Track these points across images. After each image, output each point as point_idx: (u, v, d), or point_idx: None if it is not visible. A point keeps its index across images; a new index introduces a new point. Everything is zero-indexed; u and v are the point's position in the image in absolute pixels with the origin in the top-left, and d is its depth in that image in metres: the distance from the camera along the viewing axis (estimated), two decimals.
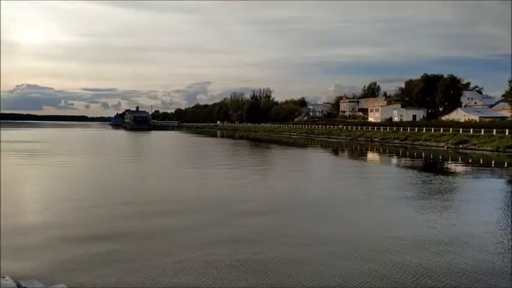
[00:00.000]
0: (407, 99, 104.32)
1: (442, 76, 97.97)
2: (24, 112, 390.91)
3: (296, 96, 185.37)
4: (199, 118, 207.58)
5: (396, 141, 62.71)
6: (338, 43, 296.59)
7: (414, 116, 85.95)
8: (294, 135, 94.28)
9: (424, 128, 64.75)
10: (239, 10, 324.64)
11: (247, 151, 48.17)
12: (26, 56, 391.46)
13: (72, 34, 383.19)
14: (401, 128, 69.73)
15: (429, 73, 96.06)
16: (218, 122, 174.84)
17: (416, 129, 66.23)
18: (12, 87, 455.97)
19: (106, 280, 7.85)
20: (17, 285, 4.94)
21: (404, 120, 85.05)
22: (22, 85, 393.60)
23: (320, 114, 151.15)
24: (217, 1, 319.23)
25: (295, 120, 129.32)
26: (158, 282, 7.83)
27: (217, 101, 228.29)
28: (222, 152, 46.50)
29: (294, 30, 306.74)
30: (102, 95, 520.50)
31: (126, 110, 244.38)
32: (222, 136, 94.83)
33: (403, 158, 40.92)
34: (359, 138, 71.77)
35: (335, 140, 75.69)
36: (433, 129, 62.77)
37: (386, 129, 73.01)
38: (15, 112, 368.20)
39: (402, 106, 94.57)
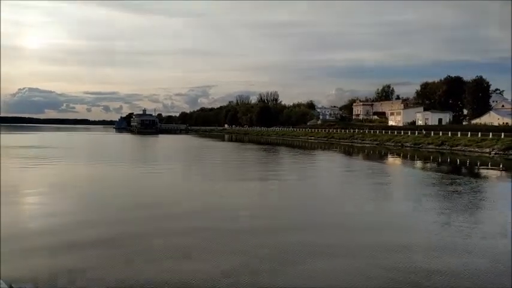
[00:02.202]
0: (427, 102, 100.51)
1: (461, 78, 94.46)
2: (26, 115, 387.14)
3: (298, 100, 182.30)
4: (205, 121, 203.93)
5: (431, 146, 58.63)
6: (339, 46, 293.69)
7: (440, 120, 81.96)
8: (311, 139, 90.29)
9: (459, 133, 60.62)
10: (241, 14, 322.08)
11: (283, 158, 44.27)
12: (28, 60, 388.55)
13: (75, 38, 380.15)
14: (432, 133, 65.62)
15: (433, 76, 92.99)
16: (226, 126, 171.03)
17: (449, 133, 62.13)
18: (14, 90, 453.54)
19: None
20: None
21: (430, 123, 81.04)
22: (24, 88, 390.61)
23: (332, 118, 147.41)
24: (219, 5, 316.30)
25: (308, 123, 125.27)
26: None
27: (218, 104, 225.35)
28: (259, 159, 42.48)
29: (296, 33, 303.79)
30: (103, 98, 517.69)
31: (130, 113, 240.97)
32: (236, 140, 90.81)
33: (461, 167, 36.92)
34: (387, 143, 67.71)
35: (360, 144, 71.68)
36: (469, 133, 58.73)
37: (415, 133, 69.04)
38: (17, 115, 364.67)
39: (424, 109, 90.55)
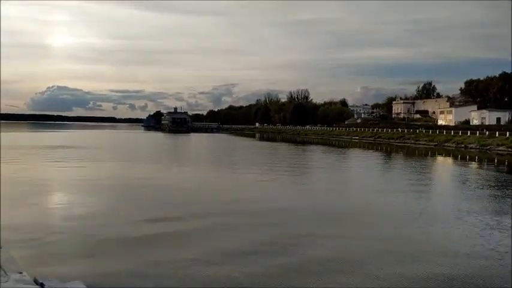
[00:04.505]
0: (478, 100, 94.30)
1: None
2: (55, 113, 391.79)
3: (323, 98, 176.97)
4: (234, 120, 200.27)
5: (502, 148, 53.20)
6: (363, 44, 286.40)
7: (498, 119, 75.85)
8: (355, 139, 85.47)
9: None
10: (266, 12, 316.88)
11: (361, 161, 40.04)
12: (57, 58, 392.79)
13: (102, 37, 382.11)
14: (497, 133, 60.00)
15: (461, 74, 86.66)
16: (257, 124, 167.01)
17: None
18: (43, 88, 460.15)
19: None
20: (34, 281, 4.57)
21: (487, 123, 75.07)
22: (53, 87, 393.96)
23: (368, 116, 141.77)
24: (244, 3, 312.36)
25: (346, 122, 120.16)
26: None
27: (242, 102, 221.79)
28: (353, 161, 38.29)
29: (320, 32, 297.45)
30: (129, 96, 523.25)
31: (157, 111, 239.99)
32: (278, 140, 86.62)
33: None
34: (446, 144, 62.45)
35: (414, 145, 66.71)
36: None
37: (476, 133, 63.56)
38: (46, 113, 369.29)
39: (478, 108, 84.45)
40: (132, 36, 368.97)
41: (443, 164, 40.92)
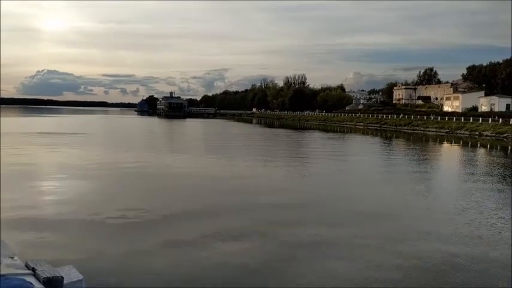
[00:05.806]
0: (484, 85, 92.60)
1: None
2: (45, 97, 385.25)
3: (316, 83, 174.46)
4: (229, 105, 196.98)
5: None
6: (356, 31, 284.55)
7: (508, 106, 74.20)
8: (360, 125, 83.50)
9: None
10: None
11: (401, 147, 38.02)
12: (47, 42, 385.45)
13: (93, 21, 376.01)
14: (511, 120, 58.25)
15: (453, 60, 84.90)
16: (254, 110, 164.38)
17: None
18: (33, 72, 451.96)
19: None
20: (26, 265, 4.61)
21: (496, 110, 73.33)
22: (43, 70, 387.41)
23: (367, 102, 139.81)
24: None
25: (347, 108, 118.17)
26: None
27: (235, 87, 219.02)
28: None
29: (313, 17, 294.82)
30: (120, 81, 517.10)
31: (150, 96, 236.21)
32: (278, 126, 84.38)
33: None
34: (459, 132, 60.65)
35: (423, 132, 64.96)
36: None
37: (488, 120, 61.80)
38: (36, 97, 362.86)
39: (485, 94, 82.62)
40: (122, 20, 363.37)
41: (475, 154, 38.99)
